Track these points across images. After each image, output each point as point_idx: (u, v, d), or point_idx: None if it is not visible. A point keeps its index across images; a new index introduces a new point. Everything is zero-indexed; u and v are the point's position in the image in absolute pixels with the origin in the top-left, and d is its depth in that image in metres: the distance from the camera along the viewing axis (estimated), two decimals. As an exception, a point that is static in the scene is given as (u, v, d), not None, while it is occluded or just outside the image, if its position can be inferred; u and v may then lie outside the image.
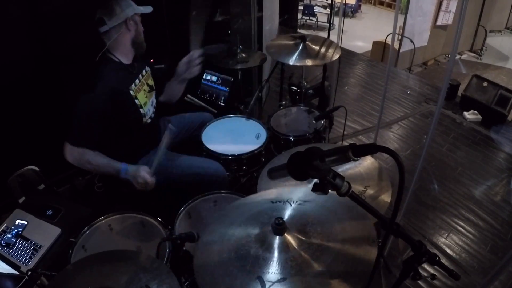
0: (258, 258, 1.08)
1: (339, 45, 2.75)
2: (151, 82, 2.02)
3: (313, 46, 2.49)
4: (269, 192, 1.35)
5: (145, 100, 1.92)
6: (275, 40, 2.70)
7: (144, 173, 1.71)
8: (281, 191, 1.33)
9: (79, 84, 1.71)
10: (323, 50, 2.51)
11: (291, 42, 2.53)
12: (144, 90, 1.94)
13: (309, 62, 2.40)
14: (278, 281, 1.01)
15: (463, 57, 8.14)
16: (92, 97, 1.68)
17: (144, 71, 1.97)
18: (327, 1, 10.76)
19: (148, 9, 1.87)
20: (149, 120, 1.95)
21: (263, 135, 2.20)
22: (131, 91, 1.83)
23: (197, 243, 1.22)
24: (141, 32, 1.88)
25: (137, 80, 1.89)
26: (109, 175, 1.78)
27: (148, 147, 1.99)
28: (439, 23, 6.98)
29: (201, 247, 1.18)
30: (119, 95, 1.76)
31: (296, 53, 2.43)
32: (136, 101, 1.85)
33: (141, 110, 1.88)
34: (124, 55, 1.84)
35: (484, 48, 8.32)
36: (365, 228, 1.13)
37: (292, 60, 2.40)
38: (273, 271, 1.04)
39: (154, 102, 2.05)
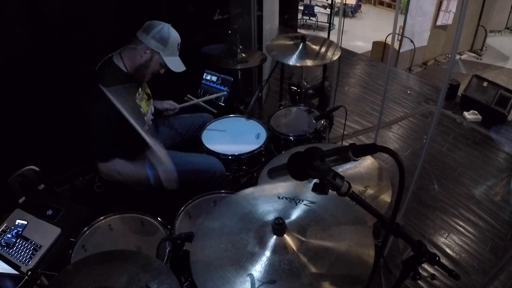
0: (254, 255, 1.06)
1: (339, 45, 2.74)
2: (148, 90, 2.03)
3: (313, 46, 2.49)
4: (277, 186, 1.32)
5: (147, 108, 1.94)
6: (275, 41, 2.70)
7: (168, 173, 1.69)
8: (290, 186, 1.30)
9: (83, 89, 1.70)
10: (323, 50, 2.51)
11: (291, 42, 2.53)
12: (145, 98, 1.96)
13: (309, 63, 2.40)
14: (268, 282, 1.00)
15: (463, 57, 8.14)
16: (106, 105, 1.65)
17: None
18: (327, 1, 10.76)
19: (177, 65, 1.84)
20: (147, 127, 1.95)
21: (263, 135, 2.20)
22: (137, 100, 1.84)
23: (197, 230, 1.21)
24: (148, 74, 1.84)
25: (140, 89, 1.90)
26: (142, 185, 1.74)
27: (140, 150, 1.98)
28: (439, 23, 6.98)
29: (201, 234, 1.17)
30: (128, 103, 1.75)
31: (296, 54, 2.42)
32: (141, 109, 1.87)
33: (144, 118, 1.89)
34: (129, 66, 1.82)
35: (484, 48, 8.32)
36: (365, 232, 1.13)
37: (292, 61, 2.39)
38: (265, 270, 1.02)
39: (153, 109, 2.06)
